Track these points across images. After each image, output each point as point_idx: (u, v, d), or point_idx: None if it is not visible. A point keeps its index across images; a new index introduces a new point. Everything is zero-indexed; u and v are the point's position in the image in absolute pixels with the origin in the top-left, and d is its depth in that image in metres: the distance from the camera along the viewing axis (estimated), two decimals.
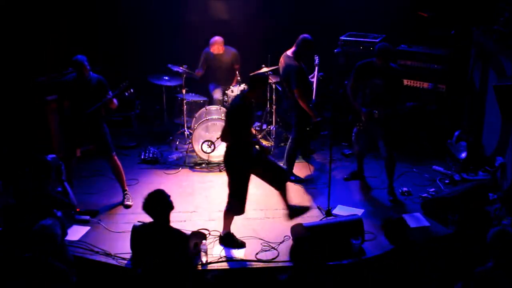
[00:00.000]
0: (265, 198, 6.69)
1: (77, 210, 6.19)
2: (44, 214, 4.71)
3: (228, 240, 5.64)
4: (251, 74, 5.88)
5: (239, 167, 5.39)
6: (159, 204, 4.65)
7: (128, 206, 6.44)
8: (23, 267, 4.17)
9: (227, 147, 5.46)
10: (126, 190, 6.56)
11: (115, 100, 6.23)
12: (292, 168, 7.12)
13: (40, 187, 5.01)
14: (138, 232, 5.02)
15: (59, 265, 4.21)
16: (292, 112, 6.99)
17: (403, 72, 6.65)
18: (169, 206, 4.68)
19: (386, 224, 5.78)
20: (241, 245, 5.63)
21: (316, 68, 7.19)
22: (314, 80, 7.10)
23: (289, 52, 6.83)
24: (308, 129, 7.03)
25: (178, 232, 4.69)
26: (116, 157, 6.46)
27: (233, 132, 5.34)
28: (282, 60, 6.90)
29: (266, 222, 6.17)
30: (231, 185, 5.46)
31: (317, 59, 7.31)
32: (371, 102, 6.35)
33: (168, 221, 4.69)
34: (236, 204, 5.48)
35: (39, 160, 5.10)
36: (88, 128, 6.24)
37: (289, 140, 7.12)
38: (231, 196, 5.49)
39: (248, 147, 5.45)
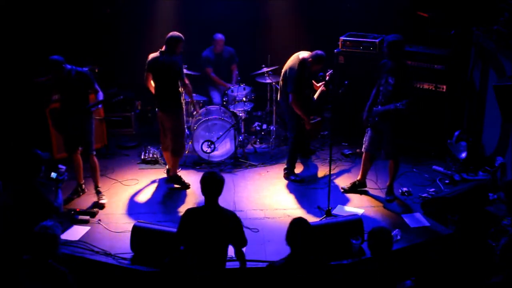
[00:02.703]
0: (265, 198, 6.70)
1: (77, 210, 6.20)
2: (43, 214, 4.72)
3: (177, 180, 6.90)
4: None
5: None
6: (215, 184, 4.56)
7: (102, 206, 6.42)
8: (23, 268, 4.16)
9: (174, 96, 6.60)
10: (99, 187, 6.57)
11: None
12: (293, 168, 7.13)
13: (32, 183, 4.98)
14: (190, 215, 4.66)
15: (58, 267, 4.20)
16: (290, 113, 6.97)
17: (412, 73, 6.49)
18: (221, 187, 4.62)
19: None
20: (188, 186, 6.86)
21: (327, 78, 6.96)
22: (319, 89, 7.07)
23: (302, 55, 6.76)
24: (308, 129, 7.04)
25: (228, 211, 4.69)
26: (95, 157, 6.51)
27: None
28: (291, 58, 6.86)
29: (266, 222, 6.17)
30: (177, 128, 6.67)
31: (329, 73, 7.01)
32: (382, 100, 6.25)
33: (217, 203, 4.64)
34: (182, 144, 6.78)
35: (30, 153, 5.08)
36: (75, 123, 6.30)
37: (289, 141, 7.12)
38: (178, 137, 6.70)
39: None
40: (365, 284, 4.48)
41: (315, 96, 7.11)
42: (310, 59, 6.69)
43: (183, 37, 6.47)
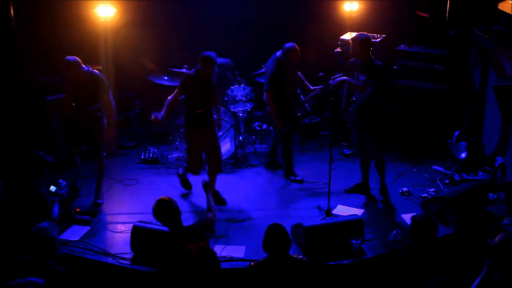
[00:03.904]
0: (265, 198, 6.70)
1: (77, 210, 6.20)
2: (40, 214, 4.72)
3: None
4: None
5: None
6: (166, 212, 4.61)
7: (99, 206, 6.43)
8: (23, 269, 4.15)
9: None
10: (101, 188, 6.60)
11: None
12: (291, 167, 7.11)
13: (32, 184, 4.99)
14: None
15: (57, 268, 4.19)
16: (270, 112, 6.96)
17: (387, 70, 6.53)
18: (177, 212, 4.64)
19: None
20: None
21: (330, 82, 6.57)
22: (313, 92, 6.94)
23: (279, 53, 6.75)
24: (290, 128, 6.97)
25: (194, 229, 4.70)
26: (104, 159, 6.53)
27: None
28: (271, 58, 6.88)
29: (266, 222, 6.15)
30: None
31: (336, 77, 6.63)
32: (358, 100, 6.26)
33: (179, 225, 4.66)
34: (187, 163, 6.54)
35: (29, 154, 5.09)
36: (87, 124, 6.30)
37: (278, 139, 7.11)
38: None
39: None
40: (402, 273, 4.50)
41: (306, 97, 7.03)
42: (282, 54, 6.64)
43: (206, 56, 6.13)
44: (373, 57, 6.20)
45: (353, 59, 6.31)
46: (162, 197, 4.72)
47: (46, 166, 5.10)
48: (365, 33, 6.33)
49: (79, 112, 6.30)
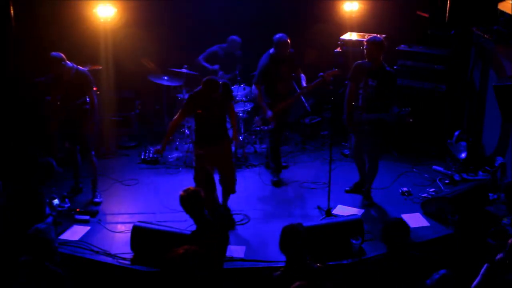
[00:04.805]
0: (265, 198, 6.70)
1: (77, 210, 6.21)
2: (37, 216, 4.73)
3: None
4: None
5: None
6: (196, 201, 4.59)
7: (97, 205, 6.42)
8: (21, 269, 4.15)
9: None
10: (96, 187, 6.60)
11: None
12: (278, 167, 7.08)
13: (34, 184, 5.01)
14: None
15: (55, 269, 4.19)
16: (260, 110, 6.98)
17: (396, 75, 6.39)
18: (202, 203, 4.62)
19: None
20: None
21: (324, 76, 6.59)
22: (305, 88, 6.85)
23: (272, 50, 6.78)
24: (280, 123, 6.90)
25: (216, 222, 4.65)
26: (94, 157, 6.51)
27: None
28: None
29: (266, 222, 6.17)
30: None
31: (329, 73, 6.65)
32: (363, 105, 6.14)
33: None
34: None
35: (43, 163, 5.12)
36: (71, 123, 6.30)
37: (267, 138, 7.11)
38: None
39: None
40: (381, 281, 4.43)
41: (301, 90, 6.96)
42: (273, 47, 6.67)
43: (209, 81, 5.71)
44: (384, 62, 6.04)
45: (361, 61, 6.16)
46: (190, 187, 4.69)
47: (52, 173, 5.14)
48: (368, 34, 6.23)
49: (65, 108, 6.28)
